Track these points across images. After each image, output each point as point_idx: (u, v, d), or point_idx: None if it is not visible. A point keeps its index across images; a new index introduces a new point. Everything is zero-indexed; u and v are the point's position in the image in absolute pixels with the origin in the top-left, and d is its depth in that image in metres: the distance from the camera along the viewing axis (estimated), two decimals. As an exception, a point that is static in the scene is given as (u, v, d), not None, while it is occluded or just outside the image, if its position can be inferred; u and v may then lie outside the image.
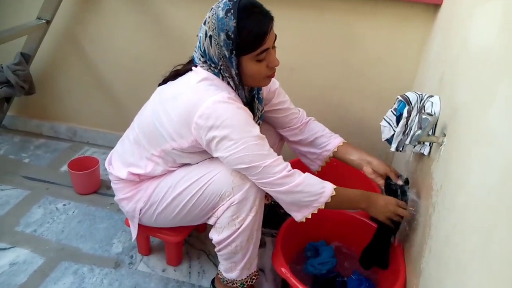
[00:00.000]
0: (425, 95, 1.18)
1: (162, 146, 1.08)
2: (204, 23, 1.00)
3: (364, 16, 1.49)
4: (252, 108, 1.14)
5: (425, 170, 1.18)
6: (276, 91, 1.26)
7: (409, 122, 1.18)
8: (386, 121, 1.25)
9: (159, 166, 1.12)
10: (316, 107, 1.58)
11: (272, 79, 1.11)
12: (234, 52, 0.97)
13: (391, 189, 1.22)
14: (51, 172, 1.82)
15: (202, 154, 1.08)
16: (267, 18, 0.98)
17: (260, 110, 1.19)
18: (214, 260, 1.41)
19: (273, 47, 1.03)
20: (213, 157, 1.08)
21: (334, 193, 1.02)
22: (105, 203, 1.65)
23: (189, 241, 1.48)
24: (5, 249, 1.39)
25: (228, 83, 1.04)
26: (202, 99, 0.97)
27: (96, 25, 1.75)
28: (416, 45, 1.49)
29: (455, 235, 0.84)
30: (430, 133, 1.10)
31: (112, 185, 1.24)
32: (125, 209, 1.20)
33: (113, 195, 1.68)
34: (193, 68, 1.07)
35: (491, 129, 0.75)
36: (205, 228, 1.52)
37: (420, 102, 1.17)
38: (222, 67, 1.01)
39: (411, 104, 1.17)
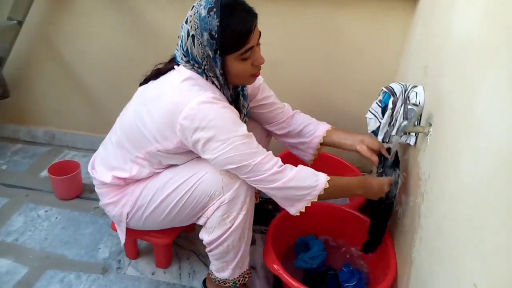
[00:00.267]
0: (409, 85, 1.18)
1: (147, 148, 1.05)
2: (186, 22, 0.97)
3: (346, 8, 1.48)
4: (237, 106, 1.12)
5: (411, 160, 1.18)
6: (260, 86, 1.24)
7: (394, 113, 1.19)
8: (372, 113, 1.26)
9: (145, 168, 1.09)
10: (300, 100, 1.57)
11: None
12: (218, 52, 0.94)
13: (386, 165, 1.20)
14: (30, 178, 1.76)
15: (189, 154, 1.06)
16: (251, 15, 0.95)
17: (246, 107, 1.17)
18: (204, 260, 1.39)
19: (258, 44, 1.01)
20: (200, 157, 1.06)
21: (328, 185, 1.01)
22: (89, 207, 1.61)
23: (177, 242, 1.45)
24: (-15, 260, 1.34)
25: (213, 83, 1.02)
26: (186, 99, 0.94)
27: (71, 25, 1.69)
28: (398, 36, 1.50)
29: (447, 224, 0.84)
30: (416, 123, 1.11)
31: (96, 190, 1.20)
32: (112, 214, 1.17)
33: (97, 199, 1.65)
34: (175, 67, 1.04)
35: (479, 117, 0.75)
36: (193, 228, 1.50)
37: (405, 92, 1.18)
38: (206, 67, 0.99)
39: (396, 95, 1.18)
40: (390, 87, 1.18)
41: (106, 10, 1.63)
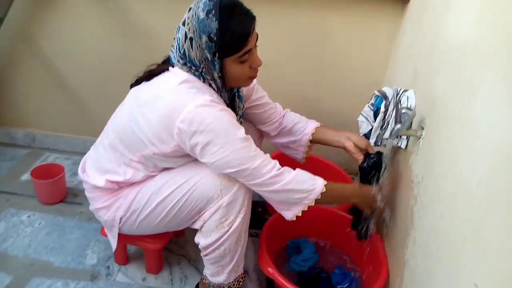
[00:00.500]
0: (401, 89, 1.21)
1: (142, 152, 1.03)
2: (183, 24, 0.96)
3: (336, 11, 1.50)
4: (233, 108, 1.11)
5: (403, 163, 1.21)
6: (254, 87, 1.24)
7: (386, 116, 1.21)
8: (364, 116, 1.28)
9: (139, 172, 1.07)
10: (290, 102, 1.57)
11: None
12: (217, 54, 0.94)
13: (373, 162, 1.19)
14: (10, 182, 1.69)
15: (185, 157, 1.04)
16: (249, 18, 0.95)
17: (241, 109, 1.16)
18: (195, 265, 1.38)
19: (255, 46, 1.01)
20: (196, 160, 1.05)
21: (325, 189, 1.02)
22: (74, 212, 1.56)
23: (167, 247, 1.42)
24: (-35, 269, 1.28)
25: (210, 85, 1.01)
26: (183, 103, 0.93)
27: (54, 23, 1.64)
28: (386, 40, 1.53)
29: (444, 224, 0.86)
30: (408, 127, 1.13)
31: (87, 194, 1.16)
32: (103, 219, 1.14)
33: (81, 203, 1.62)
34: (170, 68, 1.02)
35: (476, 119, 0.77)
36: (183, 233, 1.48)
37: (397, 96, 1.20)
38: (203, 70, 0.98)
39: (388, 99, 1.20)
40: (383, 91, 1.21)
41: (91, 7, 1.59)
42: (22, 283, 1.24)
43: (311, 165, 1.48)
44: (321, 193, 1.02)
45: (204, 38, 0.92)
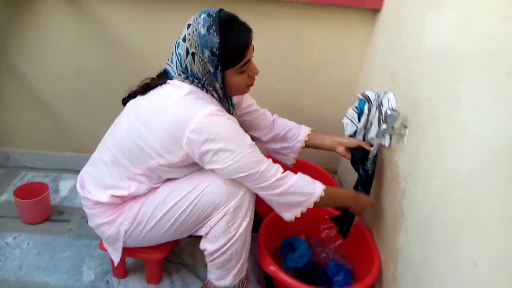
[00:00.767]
0: (382, 92, 1.31)
1: (146, 164, 1.05)
2: (184, 40, 0.99)
3: (311, 22, 1.59)
4: (229, 116, 1.16)
5: (387, 160, 1.31)
6: (244, 96, 1.29)
7: (369, 117, 1.31)
8: (348, 119, 1.37)
9: (143, 184, 1.08)
10: (272, 110, 1.64)
11: None
12: (219, 67, 0.98)
13: (359, 156, 1.29)
14: (-12, 204, 1.62)
15: (190, 167, 1.07)
16: (246, 31, 1.01)
17: (235, 116, 1.21)
18: (194, 272, 1.40)
19: (252, 56, 1.07)
20: (200, 169, 1.08)
21: (323, 194, 1.09)
22: (62, 230, 1.53)
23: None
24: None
25: (212, 95, 1.05)
26: (192, 113, 0.96)
27: (29, 37, 1.59)
28: (358, 47, 1.64)
29: (438, 212, 0.96)
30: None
31: (88, 210, 1.15)
32: (107, 234, 1.13)
33: (68, 220, 1.59)
34: (169, 81, 1.05)
35: (462, 116, 0.87)
36: (178, 241, 1.49)
37: (378, 98, 1.30)
38: (206, 82, 1.02)
39: (371, 101, 1.30)
40: (366, 94, 1.30)
41: (69, 22, 1.57)
42: (20, 306, 1.21)
43: (295, 166, 1.56)
44: (320, 197, 1.09)
45: (207, 53, 0.97)
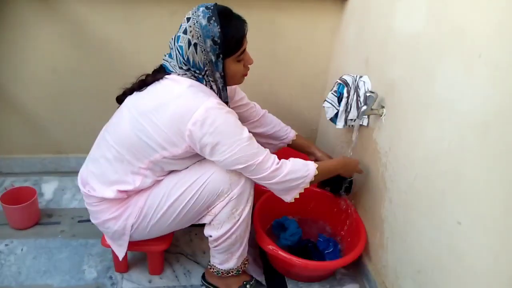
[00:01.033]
0: (357, 76, 1.42)
1: (150, 157, 1.08)
2: (185, 33, 1.03)
3: (284, 11, 1.66)
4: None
5: (365, 138, 1.42)
6: (236, 89, 1.35)
7: (349, 100, 1.41)
8: (329, 102, 1.46)
9: (148, 178, 1.12)
10: (250, 96, 1.72)
11: None
12: (220, 56, 1.04)
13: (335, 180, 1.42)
14: (-30, 214, 1.57)
15: (193, 158, 1.12)
16: (242, 21, 1.08)
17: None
18: (194, 259, 1.46)
19: None
20: (201, 160, 1.13)
21: (317, 172, 1.17)
22: (54, 232, 1.53)
23: (161, 247, 1.48)
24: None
25: (211, 87, 1.10)
26: (194, 106, 1.01)
27: (2, 38, 1.54)
28: (328, 33, 1.73)
29: (419, 182, 1.08)
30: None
31: (92, 207, 1.17)
32: (113, 229, 1.17)
33: (59, 222, 1.58)
34: (167, 76, 1.09)
35: (438, 98, 0.98)
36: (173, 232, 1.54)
37: (355, 82, 1.40)
38: (207, 72, 1.07)
39: (349, 85, 1.40)
40: (344, 78, 1.40)
41: (40, 22, 1.53)
42: (29, 309, 1.22)
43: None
44: (314, 176, 1.17)
45: (209, 42, 1.02)
